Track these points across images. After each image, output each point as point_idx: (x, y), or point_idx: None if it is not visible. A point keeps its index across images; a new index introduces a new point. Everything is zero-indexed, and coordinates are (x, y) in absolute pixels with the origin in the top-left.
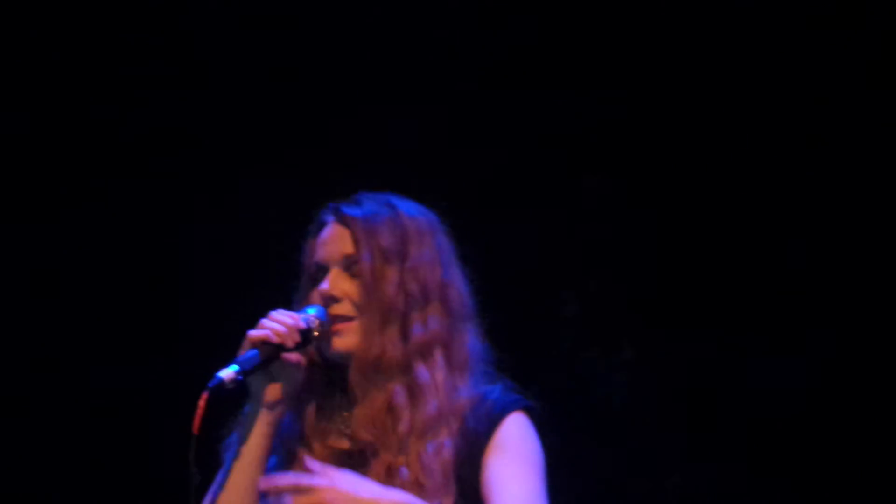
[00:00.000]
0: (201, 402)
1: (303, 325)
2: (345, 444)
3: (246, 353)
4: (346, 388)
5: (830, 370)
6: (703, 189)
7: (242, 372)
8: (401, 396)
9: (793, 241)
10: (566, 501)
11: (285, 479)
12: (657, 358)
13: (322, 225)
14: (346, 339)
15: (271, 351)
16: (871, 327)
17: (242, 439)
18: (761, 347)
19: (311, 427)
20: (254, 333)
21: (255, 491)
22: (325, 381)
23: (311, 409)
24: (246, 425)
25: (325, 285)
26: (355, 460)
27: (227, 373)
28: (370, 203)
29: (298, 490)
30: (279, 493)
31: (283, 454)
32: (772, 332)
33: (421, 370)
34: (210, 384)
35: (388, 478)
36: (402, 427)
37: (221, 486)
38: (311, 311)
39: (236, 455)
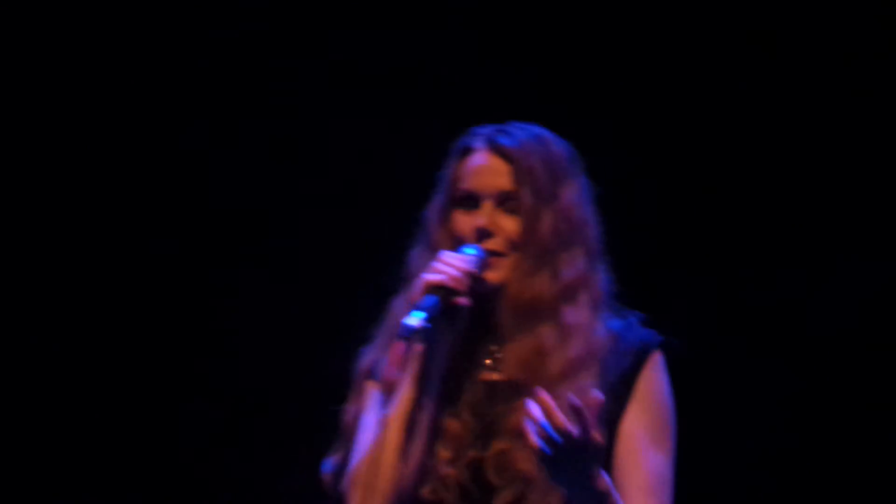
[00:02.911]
0: (398, 353)
1: (473, 268)
2: (493, 375)
3: (426, 298)
4: (489, 321)
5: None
6: None
7: (430, 319)
8: (551, 339)
9: None
10: None
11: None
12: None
13: (469, 150)
14: (498, 273)
15: (446, 295)
16: None
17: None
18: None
19: (458, 360)
20: (431, 278)
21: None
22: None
23: (458, 343)
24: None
25: (481, 220)
26: (504, 393)
27: (417, 321)
28: (522, 134)
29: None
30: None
31: (432, 390)
32: None
33: (569, 311)
34: (403, 334)
35: None
36: (553, 369)
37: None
38: (472, 252)
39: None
